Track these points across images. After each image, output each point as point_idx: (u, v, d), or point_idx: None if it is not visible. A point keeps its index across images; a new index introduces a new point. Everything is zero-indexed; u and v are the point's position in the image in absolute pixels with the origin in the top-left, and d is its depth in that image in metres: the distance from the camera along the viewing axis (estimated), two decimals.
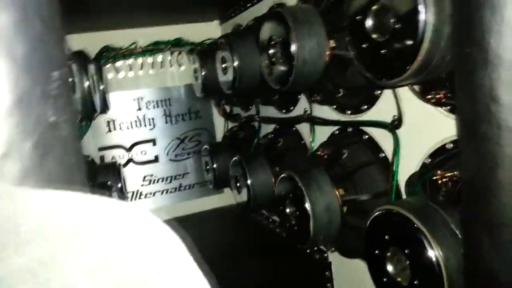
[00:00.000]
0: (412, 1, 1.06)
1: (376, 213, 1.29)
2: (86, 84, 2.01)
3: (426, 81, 1.24)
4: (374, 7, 1.22)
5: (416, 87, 1.36)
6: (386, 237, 1.25)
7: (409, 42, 1.09)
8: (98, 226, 0.32)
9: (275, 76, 1.86)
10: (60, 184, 0.41)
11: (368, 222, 1.32)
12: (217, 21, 3.37)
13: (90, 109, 2.08)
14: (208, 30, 3.29)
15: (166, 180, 3.58)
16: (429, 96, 1.29)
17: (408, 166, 1.57)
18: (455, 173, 1.23)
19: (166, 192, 3.58)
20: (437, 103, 1.30)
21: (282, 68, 1.74)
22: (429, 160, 1.49)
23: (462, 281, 1.03)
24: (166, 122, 3.49)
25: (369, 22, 1.25)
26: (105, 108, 2.72)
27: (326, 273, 2.31)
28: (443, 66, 1.11)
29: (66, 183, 0.42)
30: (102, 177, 2.65)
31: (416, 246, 1.13)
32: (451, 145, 1.38)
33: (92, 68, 2.21)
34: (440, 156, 1.42)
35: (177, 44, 3.26)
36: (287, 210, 1.89)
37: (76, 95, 1.67)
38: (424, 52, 1.06)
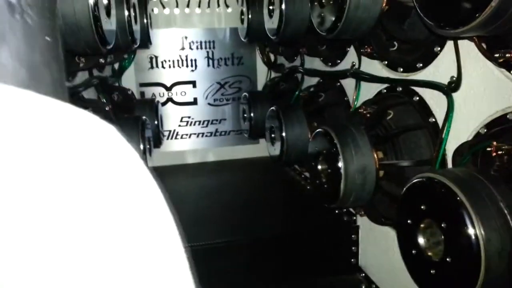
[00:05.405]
0: None
1: (415, 180, 1.17)
2: (126, 13, 1.93)
3: (496, 35, 1.06)
4: None
5: (483, 44, 1.17)
6: (422, 207, 1.13)
7: None
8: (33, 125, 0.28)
9: (323, 21, 1.70)
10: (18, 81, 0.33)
11: (405, 188, 1.20)
12: None
13: (128, 40, 2.01)
14: None
15: (203, 123, 3.56)
16: (497, 55, 1.10)
17: (459, 134, 1.40)
18: None
19: (202, 136, 3.58)
20: (506, 64, 1.11)
21: (332, 12, 1.57)
22: (485, 130, 1.32)
23: (502, 268, 0.91)
24: (208, 65, 3.41)
25: None
26: (147, 42, 2.66)
27: (353, 236, 2.23)
28: None
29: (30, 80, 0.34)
30: (138, 112, 2.65)
31: (455, 221, 1.01)
32: None
33: None
34: (498, 127, 1.25)
35: None
36: (319, 167, 1.80)
37: (112, 24, 1.59)
38: None
